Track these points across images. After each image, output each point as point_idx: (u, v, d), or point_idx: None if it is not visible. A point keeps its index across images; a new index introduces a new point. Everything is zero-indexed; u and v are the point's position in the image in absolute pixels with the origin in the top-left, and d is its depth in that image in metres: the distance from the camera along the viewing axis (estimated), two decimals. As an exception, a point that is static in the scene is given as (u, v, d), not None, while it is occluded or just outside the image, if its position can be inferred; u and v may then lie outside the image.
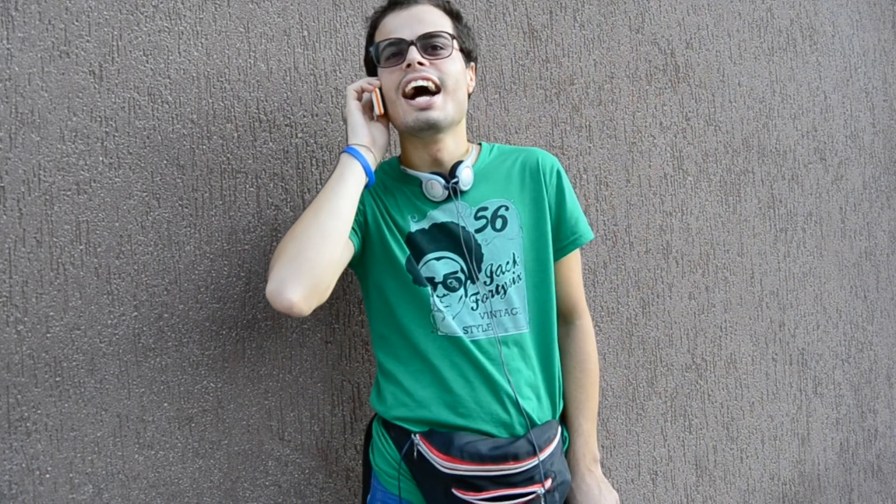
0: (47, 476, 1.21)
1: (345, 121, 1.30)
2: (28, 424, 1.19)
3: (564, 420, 1.36)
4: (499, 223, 1.28)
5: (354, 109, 1.26)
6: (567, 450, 1.34)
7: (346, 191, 1.19)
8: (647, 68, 2.05)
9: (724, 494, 2.21)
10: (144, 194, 1.30)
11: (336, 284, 1.47)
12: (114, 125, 1.28)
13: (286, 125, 1.45)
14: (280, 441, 1.43)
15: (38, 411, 1.20)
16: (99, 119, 1.26)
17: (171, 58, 1.33)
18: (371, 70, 1.33)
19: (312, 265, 1.13)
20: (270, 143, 1.43)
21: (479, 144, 1.38)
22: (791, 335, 2.43)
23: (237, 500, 1.38)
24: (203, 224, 1.36)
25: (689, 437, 2.12)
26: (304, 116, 1.47)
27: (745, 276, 2.28)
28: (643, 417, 2.01)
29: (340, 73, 1.52)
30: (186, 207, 1.34)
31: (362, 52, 1.53)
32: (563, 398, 1.35)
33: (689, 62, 2.16)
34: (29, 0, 1.21)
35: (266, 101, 1.43)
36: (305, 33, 1.48)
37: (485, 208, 1.29)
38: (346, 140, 1.26)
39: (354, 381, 1.52)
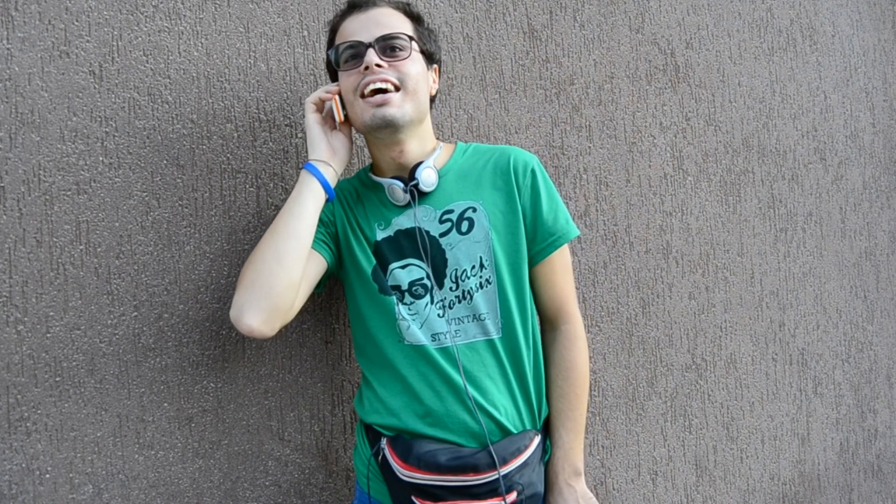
0: (47, 476, 1.21)
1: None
2: (28, 424, 1.19)
3: (548, 430, 1.30)
4: (464, 226, 1.24)
5: (313, 123, 1.25)
6: (547, 462, 1.29)
7: (302, 210, 1.19)
8: (647, 68, 2.05)
9: (724, 494, 2.21)
10: (144, 194, 1.30)
11: (337, 286, 1.48)
12: (114, 125, 1.28)
13: (286, 125, 1.45)
14: (280, 441, 1.43)
15: (38, 411, 1.20)
16: (99, 119, 1.26)
17: (171, 58, 1.33)
18: (333, 75, 1.32)
19: (269, 290, 1.14)
20: (270, 143, 1.43)
21: (455, 144, 1.36)
22: (791, 335, 2.43)
23: (237, 500, 1.38)
24: (203, 224, 1.36)
25: (689, 437, 2.12)
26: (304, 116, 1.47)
27: (745, 276, 2.28)
28: (643, 417, 2.01)
29: (340, 73, 1.52)
30: (186, 207, 1.34)
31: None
32: (549, 407, 1.30)
33: (689, 62, 2.16)
34: (29, 0, 1.21)
35: (266, 101, 1.43)
36: (305, 33, 1.48)
37: (451, 211, 1.26)
38: (307, 154, 1.25)
39: (354, 381, 1.52)
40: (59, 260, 1.22)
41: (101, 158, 1.26)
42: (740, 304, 2.27)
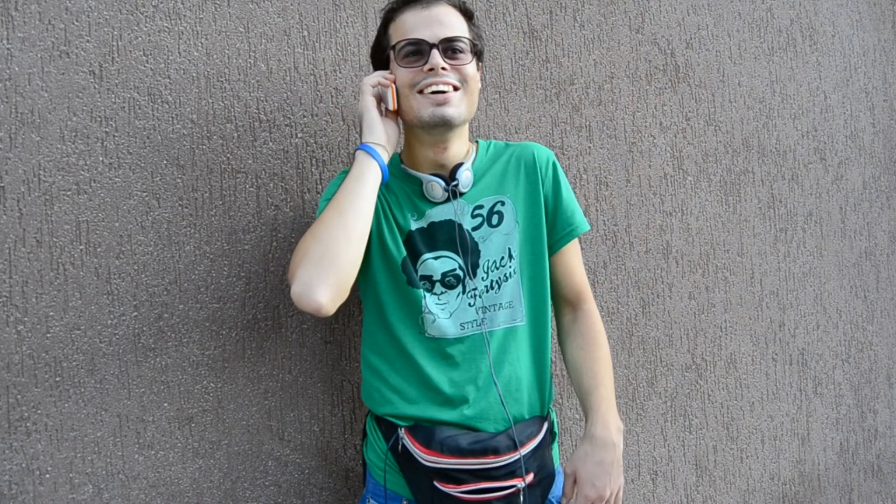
0: (47, 476, 1.21)
1: (358, 116, 1.29)
2: (28, 424, 1.19)
3: (582, 400, 1.30)
4: (495, 219, 1.30)
5: (371, 106, 1.26)
6: (587, 421, 1.26)
7: (365, 190, 1.20)
8: (647, 68, 2.05)
9: (724, 494, 2.21)
10: (144, 194, 1.30)
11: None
12: (114, 125, 1.28)
13: (286, 125, 1.45)
14: (280, 441, 1.43)
15: (38, 411, 1.20)
16: (99, 119, 1.26)
17: (171, 58, 1.33)
18: (377, 63, 1.33)
19: (339, 266, 1.14)
20: (270, 143, 1.43)
21: (477, 142, 1.39)
22: (791, 335, 2.43)
23: (237, 500, 1.38)
24: (203, 224, 1.36)
25: (689, 437, 2.12)
26: (304, 116, 1.47)
27: (745, 276, 2.28)
28: (643, 417, 2.01)
29: (340, 73, 1.52)
30: (186, 207, 1.34)
31: (362, 52, 1.54)
32: (579, 376, 1.30)
33: (689, 62, 2.16)
34: (29, 0, 1.21)
35: (266, 101, 1.43)
36: (305, 33, 1.48)
37: (481, 206, 1.31)
38: (360, 136, 1.26)
39: (354, 381, 1.52)
40: (59, 260, 1.22)
41: (101, 158, 1.26)
42: (740, 304, 2.27)
